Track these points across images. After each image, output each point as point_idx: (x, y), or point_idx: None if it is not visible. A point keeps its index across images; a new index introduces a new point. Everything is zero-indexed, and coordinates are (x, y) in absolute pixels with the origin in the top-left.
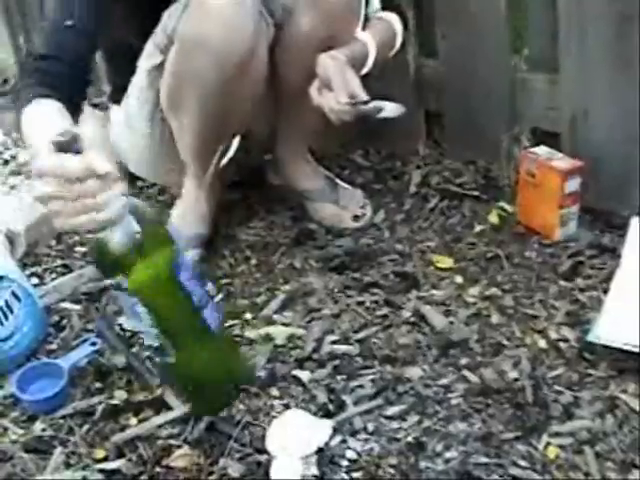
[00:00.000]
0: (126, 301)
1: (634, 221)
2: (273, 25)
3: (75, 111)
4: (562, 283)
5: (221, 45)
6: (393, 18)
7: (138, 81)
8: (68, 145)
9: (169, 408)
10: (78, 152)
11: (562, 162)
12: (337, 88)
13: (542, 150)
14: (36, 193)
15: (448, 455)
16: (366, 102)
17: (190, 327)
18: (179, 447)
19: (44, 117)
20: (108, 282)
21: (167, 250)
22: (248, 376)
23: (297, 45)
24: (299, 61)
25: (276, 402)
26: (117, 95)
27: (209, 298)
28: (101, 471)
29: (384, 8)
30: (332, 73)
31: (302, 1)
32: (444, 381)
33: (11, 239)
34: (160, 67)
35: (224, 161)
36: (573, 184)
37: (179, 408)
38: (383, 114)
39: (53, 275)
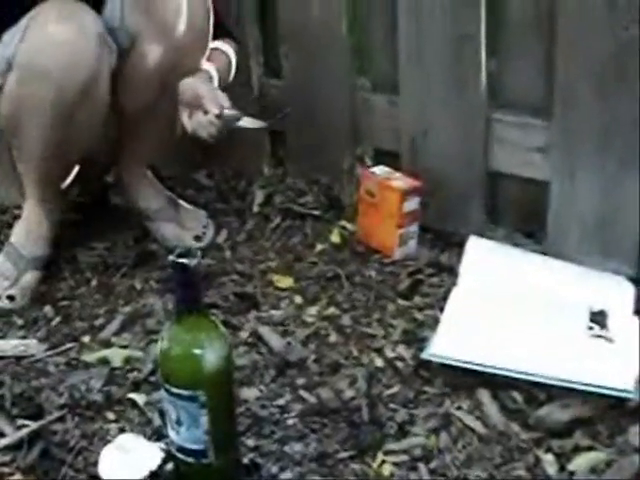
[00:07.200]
0: (185, 409)
1: (470, 240)
2: (117, 51)
3: None
4: (400, 302)
5: (62, 73)
6: (228, 49)
7: None
8: None
9: (1, 435)
10: None
11: (400, 182)
12: (206, 100)
13: (381, 170)
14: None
15: (283, 477)
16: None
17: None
18: (11, 474)
19: None
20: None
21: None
22: None
23: (141, 73)
24: (142, 89)
25: (112, 426)
26: None
27: None
28: None
29: (221, 33)
30: (199, 88)
31: (149, 29)
32: (280, 402)
33: None
34: None
35: (66, 183)
36: (412, 203)
37: (12, 434)
38: (242, 123)
39: None
